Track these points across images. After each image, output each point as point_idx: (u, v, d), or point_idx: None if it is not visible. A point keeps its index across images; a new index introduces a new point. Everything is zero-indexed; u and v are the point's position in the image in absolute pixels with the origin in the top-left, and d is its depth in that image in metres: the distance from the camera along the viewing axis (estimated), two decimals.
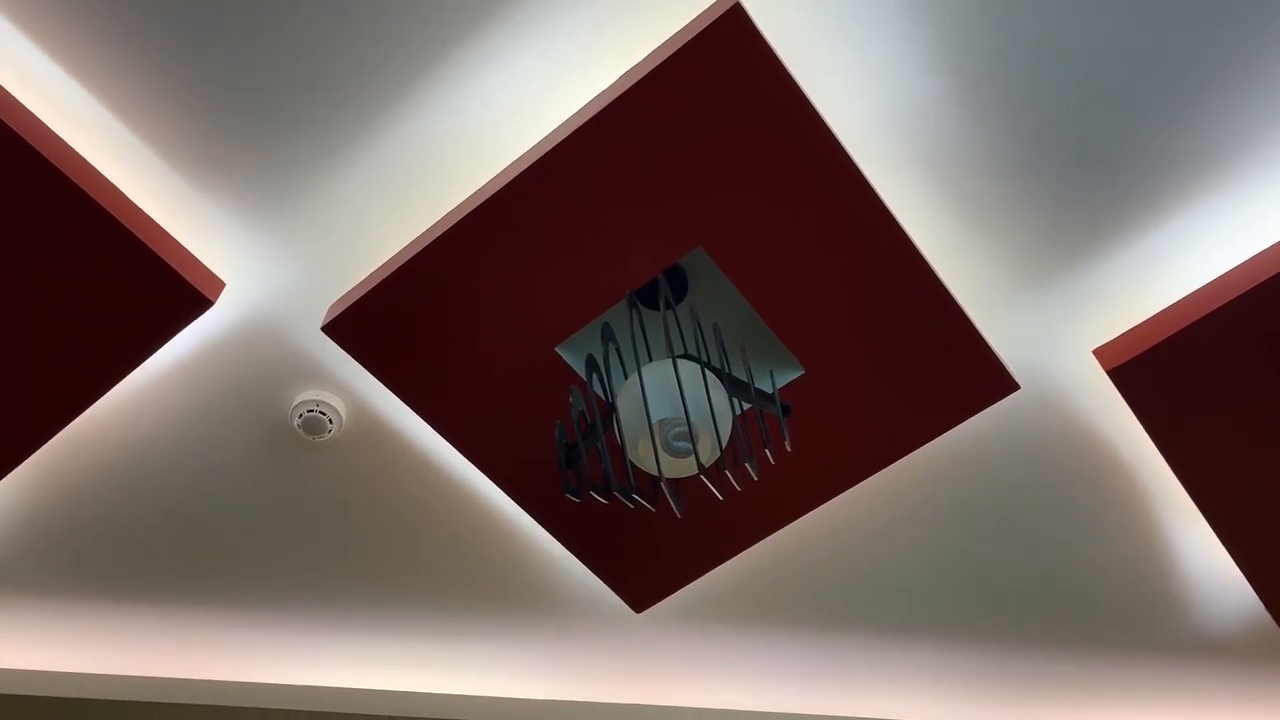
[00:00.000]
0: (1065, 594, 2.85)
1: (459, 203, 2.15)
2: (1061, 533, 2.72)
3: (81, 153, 2.11)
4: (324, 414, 2.47)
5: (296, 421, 2.47)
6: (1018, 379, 2.32)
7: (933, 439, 2.40)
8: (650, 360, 2.14)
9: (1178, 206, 2.19)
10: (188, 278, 2.17)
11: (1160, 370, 2.29)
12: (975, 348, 2.25)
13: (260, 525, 2.69)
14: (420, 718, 2.92)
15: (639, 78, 1.92)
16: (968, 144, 2.11)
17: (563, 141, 1.99)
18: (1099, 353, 2.34)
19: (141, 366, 2.33)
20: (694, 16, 1.94)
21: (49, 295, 2.18)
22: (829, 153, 2.00)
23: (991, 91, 2.04)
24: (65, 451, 2.53)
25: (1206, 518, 2.55)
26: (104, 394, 2.34)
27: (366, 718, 2.92)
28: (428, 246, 2.11)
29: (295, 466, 2.58)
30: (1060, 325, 2.38)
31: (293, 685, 2.98)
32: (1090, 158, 2.12)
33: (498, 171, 2.12)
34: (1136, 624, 2.93)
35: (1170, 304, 2.30)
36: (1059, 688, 3.08)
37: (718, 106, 1.95)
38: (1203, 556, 2.76)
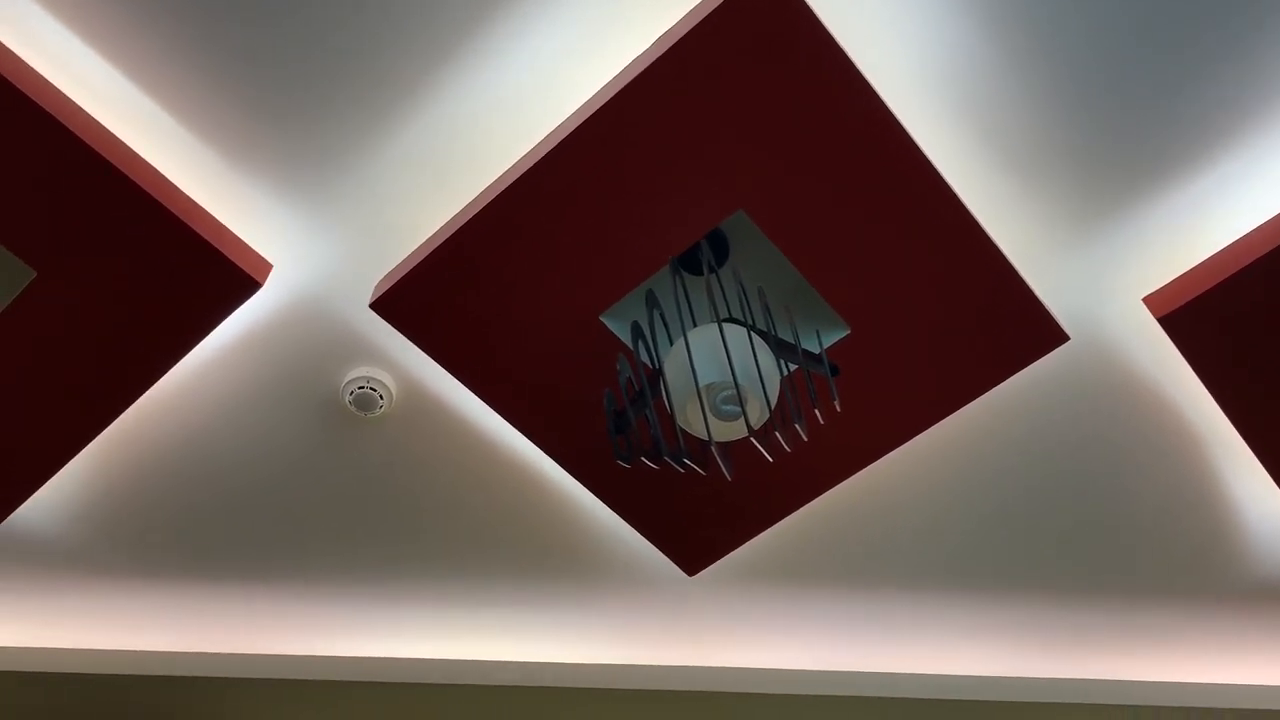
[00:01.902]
0: (1119, 545, 2.83)
1: (500, 175, 2.16)
2: (1114, 484, 2.70)
3: (126, 141, 2.14)
4: (374, 390, 2.50)
5: (348, 398, 2.51)
6: (1067, 330, 2.29)
7: (982, 394, 2.39)
8: (695, 325, 2.15)
9: (1225, 149, 2.14)
10: (236, 261, 2.20)
11: (1212, 316, 2.25)
12: (1023, 300, 2.23)
13: (316, 502, 2.74)
14: (479, 684, 2.98)
15: (674, 41, 1.91)
16: (1008, 92, 2.08)
17: (600, 109, 1.99)
18: (1149, 300, 2.31)
19: (195, 350, 2.37)
20: None
21: (102, 284, 2.23)
22: (869, 108, 1.98)
23: (1030, 37, 2.01)
24: (125, 437, 2.58)
25: (1263, 463, 2.52)
26: (160, 378, 2.38)
27: (427, 686, 2.98)
28: (470, 220, 2.12)
29: (348, 443, 2.62)
30: (1109, 274, 2.34)
31: (354, 657, 3.04)
32: (1134, 101, 2.08)
33: (537, 142, 2.12)
34: (1193, 573, 2.90)
35: (1220, 248, 2.26)
36: (1114, 640, 3.06)
37: (754, 66, 1.93)
38: (1259, 503, 2.73)
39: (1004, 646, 3.08)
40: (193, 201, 2.21)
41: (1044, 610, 3.00)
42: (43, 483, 2.55)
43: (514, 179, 2.07)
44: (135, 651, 3.00)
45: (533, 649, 3.03)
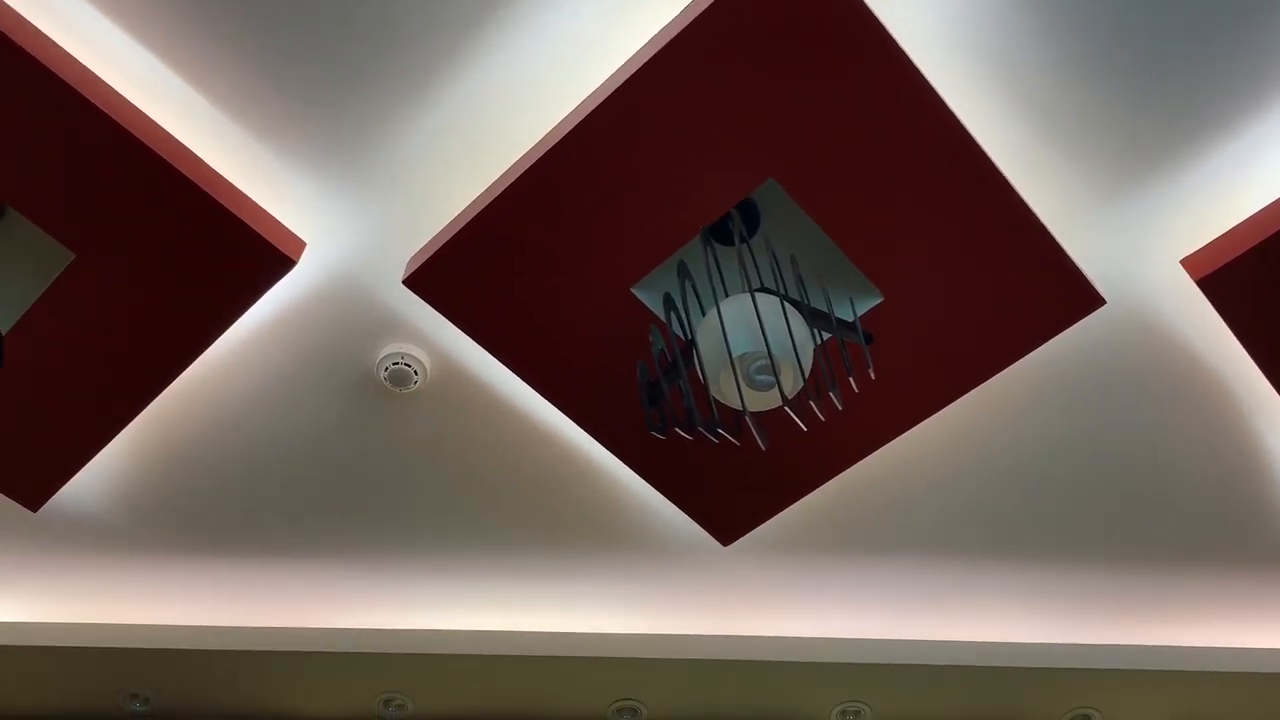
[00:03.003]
0: (1159, 510, 2.81)
1: (530, 148, 2.16)
2: (1153, 449, 2.68)
3: (159, 122, 2.15)
4: (409, 366, 2.51)
5: (383, 375, 2.53)
6: (1104, 293, 2.27)
7: (1017, 359, 2.38)
8: (727, 296, 2.14)
9: (1262, 108, 2.11)
10: (270, 239, 2.22)
11: (1251, 277, 2.23)
12: (1059, 264, 2.21)
13: (353, 478, 2.76)
14: (516, 655, 3.00)
15: (703, 9, 1.90)
16: (1042, 56, 2.05)
17: (628, 80, 1.98)
18: (1187, 262, 2.28)
19: (231, 329, 2.39)
20: None
21: (139, 265, 2.25)
22: (901, 74, 1.96)
23: (1063, 1, 1.98)
24: (164, 417, 2.61)
25: None
26: (197, 357, 2.41)
27: (466, 658, 3.01)
28: (500, 195, 2.13)
29: (384, 419, 2.64)
30: (1145, 236, 2.32)
31: (393, 629, 3.07)
32: (1169, 62, 2.05)
33: (567, 114, 2.12)
34: (1234, 538, 2.88)
35: (1259, 209, 2.23)
36: (1154, 605, 3.05)
37: (785, 34, 1.92)
38: None
39: (1041, 613, 3.07)
40: (226, 181, 2.22)
41: (1081, 577, 2.99)
42: (85, 463, 2.59)
43: (543, 152, 2.07)
44: (177, 626, 3.05)
45: (570, 620, 3.05)
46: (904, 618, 3.06)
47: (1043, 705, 3.13)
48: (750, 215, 2.21)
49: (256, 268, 2.26)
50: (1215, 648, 3.09)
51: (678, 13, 1.99)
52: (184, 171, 2.12)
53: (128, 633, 3.02)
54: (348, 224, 2.32)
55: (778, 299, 1.98)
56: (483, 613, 3.05)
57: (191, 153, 2.18)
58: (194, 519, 2.84)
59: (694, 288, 2.15)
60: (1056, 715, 3.15)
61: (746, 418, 1.99)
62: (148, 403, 2.49)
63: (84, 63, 2.07)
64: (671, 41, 1.93)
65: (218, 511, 2.83)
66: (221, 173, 2.22)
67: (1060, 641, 3.09)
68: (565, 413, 2.50)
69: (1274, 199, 2.22)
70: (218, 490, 2.78)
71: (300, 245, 2.29)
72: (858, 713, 3.12)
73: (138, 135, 2.07)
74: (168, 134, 2.16)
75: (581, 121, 2.02)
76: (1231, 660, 3.06)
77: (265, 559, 2.94)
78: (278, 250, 2.23)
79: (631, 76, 1.97)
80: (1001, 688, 3.08)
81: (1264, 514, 2.83)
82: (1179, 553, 2.92)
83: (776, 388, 1.92)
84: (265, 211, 2.26)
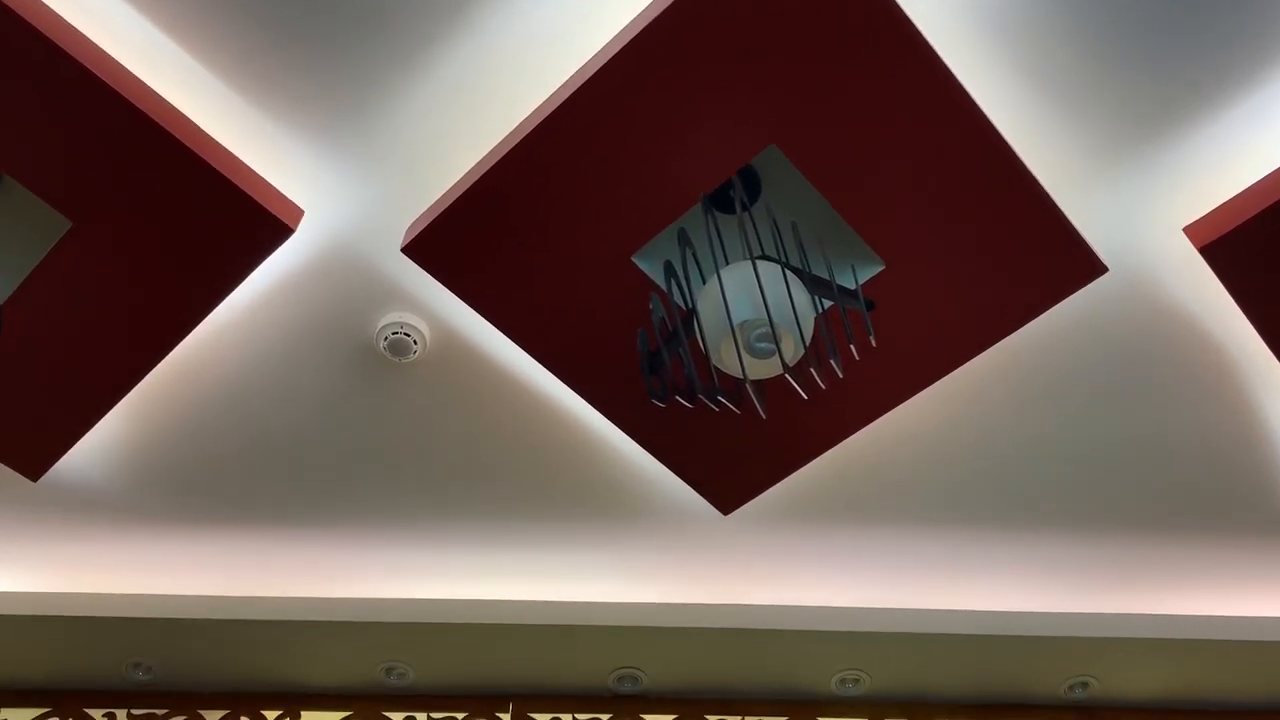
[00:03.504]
0: (1159, 479, 2.82)
1: (529, 114, 2.14)
2: (1155, 416, 2.68)
3: (156, 89, 2.13)
4: (408, 335, 2.51)
5: (382, 344, 2.52)
6: (1105, 261, 2.26)
7: (1019, 327, 2.37)
8: (728, 263, 2.13)
9: (1265, 75, 2.09)
10: (268, 207, 2.21)
11: (1254, 244, 2.22)
12: (1061, 231, 2.20)
13: (353, 447, 2.76)
14: (517, 624, 3.01)
15: None
16: (1046, 22, 2.03)
17: (627, 46, 1.96)
18: (1190, 230, 2.27)
19: (231, 298, 2.39)
20: None
21: (137, 233, 2.24)
22: (905, 39, 1.94)
23: None
24: (164, 386, 2.61)
25: None
26: (196, 326, 2.41)
27: (466, 626, 3.02)
28: (499, 162, 2.11)
29: (384, 388, 2.64)
30: (1148, 204, 2.31)
31: (392, 599, 3.08)
32: (1173, 27, 2.03)
33: (566, 79, 2.10)
34: (1232, 506, 2.89)
35: (1261, 176, 2.22)
36: (1154, 574, 3.06)
37: None
38: None
39: (1040, 582, 3.08)
40: (223, 148, 2.21)
41: (1080, 546, 3.00)
42: (84, 432, 2.60)
43: (542, 119, 2.06)
44: (180, 596, 3.06)
45: (570, 589, 3.06)
46: (903, 587, 3.07)
47: (1041, 674, 3.14)
48: (751, 183, 2.20)
49: (254, 236, 2.24)
50: (1213, 616, 3.10)
51: None
52: (182, 139, 2.11)
53: (130, 602, 3.03)
54: (346, 192, 2.30)
55: (779, 266, 1.97)
56: (484, 582, 3.06)
57: (189, 120, 2.17)
58: (195, 488, 2.85)
59: (694, 255, 2.14)
60: (1055, 683, 3.16)
61: (747, 386, 1.99)
62: (147, 371, 2.48)
63: (82, 31, 2.05)
64: (671, 6, 1.91)
65: (219, 481, 2.84)
66: (219, 140, 2.20)
67: (1058, 610, 3.10)
68: (565, 382, 2.49)
69: (1277, 167, 2.21)
70: (219, 460, 2.78)
71: (298, 213, 2.28)
72: (857, 680, 3.14)
73: (135, 103, 2.06)
74: (165, 101, 2.14)
75: (580, 88, 2.01)
76: (1229, 629, 3.07)
77: (267, 529, 2.95)
78: (276, 218, 2.22)
79: (630, 42, 1.95)
80: (1000, 656, 3.09)
81: (1263, 483, 2.83)
82: (1177, 522, 2.93)
83: (777, 355, 1.91)
84: (263, 179, 2.24)
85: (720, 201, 2.19)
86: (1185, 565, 3.03)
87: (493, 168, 2.12)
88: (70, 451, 2.65)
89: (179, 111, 2.15)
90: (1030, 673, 3.14)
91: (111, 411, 2.57)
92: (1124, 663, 3.10)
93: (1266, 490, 2.84)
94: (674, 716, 3.13)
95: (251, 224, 2.22)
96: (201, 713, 3.10)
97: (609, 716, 3.12)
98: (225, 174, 2.16)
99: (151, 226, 2.23)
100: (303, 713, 3.12)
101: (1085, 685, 3.15)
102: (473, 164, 2.22)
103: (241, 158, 2.23)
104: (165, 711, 3.10)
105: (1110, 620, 3.08)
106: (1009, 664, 3.11)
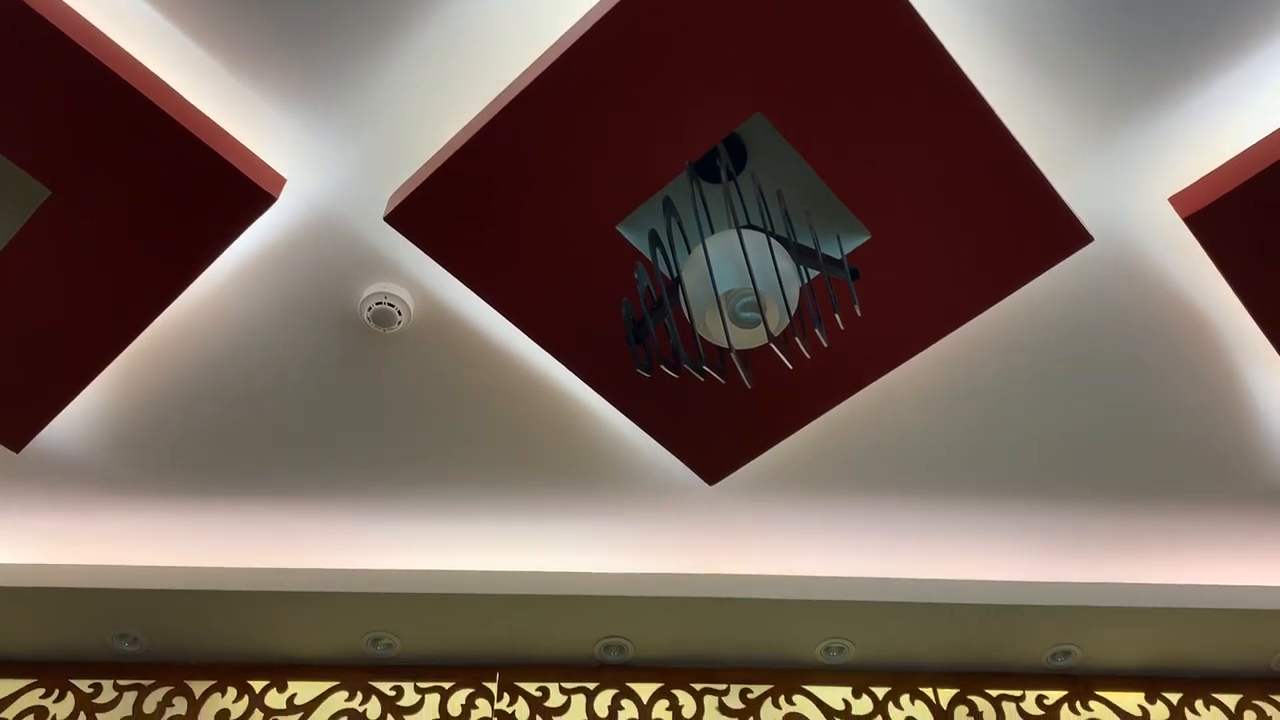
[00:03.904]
0: (1142, 448, 2.83)
1: (513, 81, 2.12)
2: (1138, 385, 2.68)
3: (136, 55, 2.11)
4: (392, 305, 2.49)
5: (366, 314, 2.51)
6: (1091, 231, 2.26)
7: (1004, 297, 2.37)
8: (713, 233, 2.12)
9: (1252, 44, 2.09)
10: (249, 175, 2.19)
11: (1238, 214, 2.22)
12: (1047, 201, 2.20)
13: (338, 418, 2.76)
14: (504, 594, 3.02)
15: None
16: None
17: (611, 11, 1.94)
18: (1175, 200, 2.27)
19: (213, 267, 2.37)
20: None
21: (116, 201, 2.22)
22: (892, 7, 1.93)
23: None
24: (147, 356, 2.59)
25: None
26: (178, 295, 2.39)
27: (452, 597, 3.02)
28: (483, 129, 2.10)
29: (368, 359, 2.63)
30: (1133, 174, 2.31)
31: (376, 570, 3.08)
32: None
33: (549, 46, 2.08)
34: (1214, 476, 2.91)
35: (1247, 147, 2.22)
36: (1135, 543, 3.08)
37: None
38: None
39: (1023, 552, 3.10)
40: (204, 116, 2.18)
41: (1062, 516, 3.01)
42: (67, 402, 2.58)
43: (526, 85, 2.04)
44: (166, 567, 3.05)
45: (556, 559, 3.07)
46: (888, 556, 3.08)
47: (1024, 642, 3.17)
48: (737, 151, 2.19)
49: (236, 204, 2.22)
50: (1194, 585, 3.13)
51: None
52: (162, 106, 2.09)
53: (115, 574, 3.02)
54: (328, 160, 2.28)
55: (764, 236, 1.97)
56: (470, 552, 3.06)
57: (169, 87, 2.14)
58: (179, 459, 2.84)
59: (680, 224, 2.13)
60: (1038, 652, 3.19)
61: (732, 355, 1.98)
62: (129, 342, 2.47)
63: None
64: None
65: (204, 452, 2.82)
66: (199, 108, 2.18)
67: (1041, 580, 3.12)
68: (550, 352, 2.49)
69: (1262, 136, 2.21)
70: (203, 431, 2.77)
71: (280, 181, 2.26)
72: (841, 649, 3.15)
73: (114, 69, 2.03)
74: (145, 69, 2.11)
75: (563, 55, 1.99)
76: (1210, 597, 3.10)
77: (252, 500, 2.94)
78: (257, 186, 2.20)
79: (615, 8, 1.94)
80: (983, 625, 3.11)
81: (1244, 453, 2.85)
82: (1159, 491, 2.94)
83: (762, 325, 1.91)
84: (244, 147, 2.22)
85: (706, 170, 2.18)
86: (1168, 534, 3.05)
87: (476, 135, 2.10)
88: (53, 422, 2.63)
89: (159, 79, 2.13)
90: (1014, 641, 3.16)
91: (94, 382, 2.56)
92: (1107, 631, 3.12)
93: (1248, 460, 2.86)
94: (660, 685, 3.14)
95: (233, 192, 2.20)
96: (188, 683, 3.10)
97: (595, 685, 3.14)
98: (206, 141, 2.14)
99: (132, 195, 2.21)
100: (289, 683, 3.12)
101: (1068, 654, 3.18)
102: (456, 132, 2.20)
103: (223, 125, 2.20)
104: (151, 682, 3.10)
105: (1093, 589, 3.10)
106: (993, 633, 3.13)
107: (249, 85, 2.17)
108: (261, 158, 2.25)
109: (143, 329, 2.44)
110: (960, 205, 2.21)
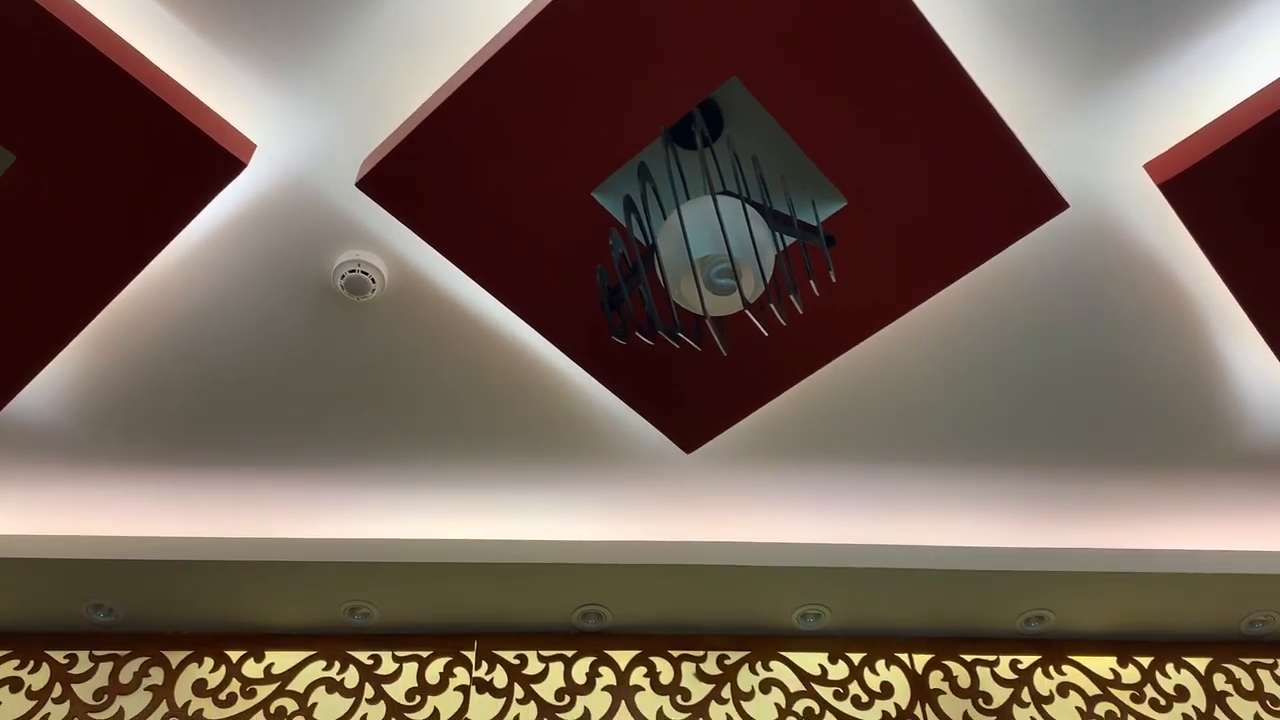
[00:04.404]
0: (1114, 416, 2.85)
1: (485, 44, 2.09)
2: (1113, 354, 2.70)
3: (102, 19, 2.07)
4: (366, 274, 2.47)
5: (339, 282, 2.48)
6: (1067, 197, 2.26)
7: (979, 264, 2.38)
8: (688, 199, 2.11)
9: (1228, 12, 2.09)
10: (218, 140, 2.16)
11: (1214, 181, 2.23)
12: (1022, 167, 2.20)
13: (312, 387, 2.74)
14: (481, 563, 3.02)
15: None
16: None
17: None
18: (1150, 166, 2.28)
19: (183, 235, 2.35)
20: None
21: (84, 167, 2.18)
22: None
23: None
24: (118, 325, 2.57)
25: (1261, 332, 2.52)
26: (148, 263, 2.36)
27: (430, 566, 3.02)
28: (454, 94, 2.07)
29: (342, 327, 2.61)
30: (1109, 141, 2.30)
31: (349, 539, 3.07)
32: None
33: (523, 8, 2.06)
34: (1188, 442, 2.93)
35: (1223, 112, 2.22)
36: (1109, 508, 3.10)
37: None
38: (1255, 372, 2.74)
39: (997, 517, 3.12)
40: (172, 81, 2.15)
41: (1037, 481, 3.03)
42: (37, 371, 2.55)
43: (499, 48, 2.01)
44: (140, 538, 3.03)
45: (534, 528, 3.07)
46: (864, 523, 3.10)
47: (999, 607, 3.19)
48: (712, 117, 2.17)
49: (205, 170, 2.20)
50: (1168, 550, 3.16)
51: None
52: (129, 71, 2.05)
53: (89, 544, 3.00)
54: (300, 125, 2.25)
55: (740, 202, 1.96)
56: (447, 521, 3.06)
57: (137, 52, 2.11)
58: (153, 428, 2.81)
59: (655, 191, 2.11)
60: (1012, 616, 3.21)
61: (708, 322, 1.98)
62: (98, 310, 2.44)
63: None
64: None
65: (178, 422, 2.80)
66: (168, 73, 2.15)
67: (1016, 545, 3.15)
68: (525, 319, 2.47)
69: (1238, 102, 2.21)
70: (176, 400, 2.75)
71: (250, 147, 2.23)
72: (818, 615, 3.17)
73: (81, 34, 2.00)
74: (111, 32, 2.08)
75: (537, 17, 1.96)
76: (1181, 562, 3.13)
77: (226, 469, 2.93)
78: (226, 152, 2.17)
79: None
80: (959, 590, 3.13)
81: (1216, 420, 2.87)
82: (1132, 458, 2.97)
83: (738, 291, 1.90)
84: (213, 112, 2.19)
85: (681, 136, 2.16)
86: (1141, 500, 3.08)
87: (448, 100, 2.07)
88: (23, 391, 2.60)
89: (126, 43, 2.10)
90: (988, 606, 3.18)
91: (65, 350, 2.53)
92: (1080, 596, 3.15)
93: (1221, 426, 2.88)
94: (638, 652, 3.15)
95: (202, 158, 2.17)
96: (164, 653, 3.09)
97: (573, 653, 3.15)
98: (174, 107, 2.11)
99: (100, 161, 2.18)
100: (266, 653, 3.11)
101: (1042, 618, 3.20)
102: (428, 97, 2.18)
103: (192, 91, 2.17)
104: (127, 653, 3.09)
105: (1067, 555, 3.13)
106: (968, 598, 3.15)
107: (218, 49, 2.14)
108: (231, 123, 2.22)
109: (113, 296, 2.41)
110: (936, 172, 2.20)
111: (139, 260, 2.34)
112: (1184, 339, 2.67)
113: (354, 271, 2.47)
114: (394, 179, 2.19)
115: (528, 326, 2.51)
